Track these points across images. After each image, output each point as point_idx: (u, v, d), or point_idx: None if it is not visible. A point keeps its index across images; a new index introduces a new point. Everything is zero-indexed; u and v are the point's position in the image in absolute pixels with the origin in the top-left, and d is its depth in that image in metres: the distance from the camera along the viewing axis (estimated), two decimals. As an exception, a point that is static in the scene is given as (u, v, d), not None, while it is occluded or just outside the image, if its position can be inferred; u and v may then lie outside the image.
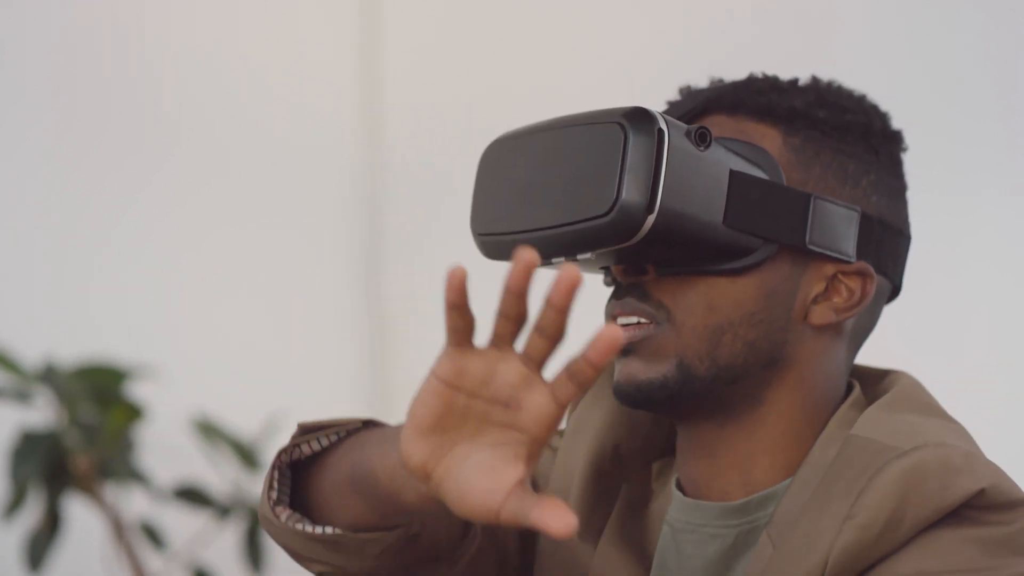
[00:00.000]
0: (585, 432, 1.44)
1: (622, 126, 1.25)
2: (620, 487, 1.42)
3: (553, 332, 1.07)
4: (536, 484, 1.45)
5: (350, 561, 1.29)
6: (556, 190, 1.28)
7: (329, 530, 1.28)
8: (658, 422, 1.44)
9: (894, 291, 1.39)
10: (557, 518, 1.05)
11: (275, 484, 1.30)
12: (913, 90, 2.38)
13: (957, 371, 2.36)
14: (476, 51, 3.12)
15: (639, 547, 1.38)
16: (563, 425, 1.49)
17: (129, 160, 2.90)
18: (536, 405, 1.09)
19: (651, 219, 1.24)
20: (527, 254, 1.06)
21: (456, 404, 1.11)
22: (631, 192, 1.24)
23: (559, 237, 1.28)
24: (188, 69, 3.01)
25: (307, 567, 1.33)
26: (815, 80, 1.38)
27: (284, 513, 1.29)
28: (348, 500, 1.26)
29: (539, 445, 1.10)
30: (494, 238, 1.34)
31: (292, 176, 3.17)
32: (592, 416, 1.44)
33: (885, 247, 1.35)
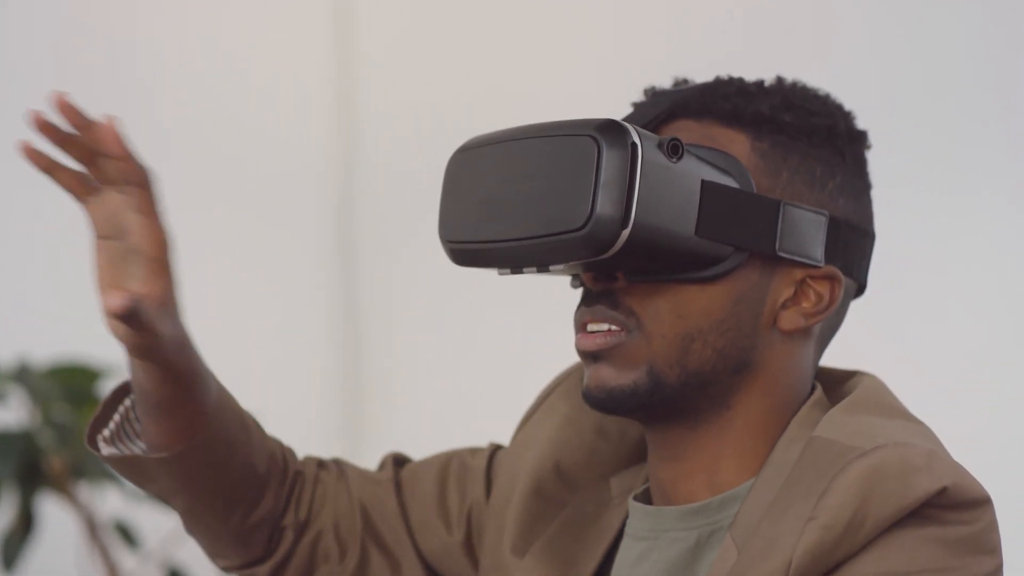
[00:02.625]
0: (529, 450, 1.46)
1: (595, 139, 1.25)
2: (565, 503, 1.43)
3: (107, 149, 1.25)
4: (453, 498, 1.50)
5: (155, 485, 1.40)
6: (528, 201, 1.28)
7: (113, 450, 1.39)
8: (604, 435, 1.45)
9: (859, 289, 1.39)
10: (109, 297, 1.21)
11: (112, 423, 1.39)
12: (908, 91, 2.39)
13: (943, 368, 2.37)
14: (452, 51, 3.11)
15: (568, 559, 1.39)
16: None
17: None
18: (132, 223, 1.25)
19: (625, 233, 1.24)
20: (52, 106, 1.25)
21: (112, 252, 1.26)
22: (605, 207, 1.24)
23: (531, 248, 1.28)
24: (161, 68, 3.01)
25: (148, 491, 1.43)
26: (780, 81, 1.38)
27: (103, 444, 1.40)
28: (143, 422, 1.36)
29: (154, 260, 1.26)
30: (463, 246, 1.33)
31: (267, 178, 3.16)
32: (537, 435, 1.46)
33: (852, 249, 1.35)
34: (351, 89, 3.24)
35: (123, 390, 1.40)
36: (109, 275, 1.26)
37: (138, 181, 1.25)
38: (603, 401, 1.32)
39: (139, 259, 1.25)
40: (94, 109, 1.23)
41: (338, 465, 1.51)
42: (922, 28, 2.42)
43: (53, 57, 2.85)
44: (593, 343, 1.32)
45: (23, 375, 2.47)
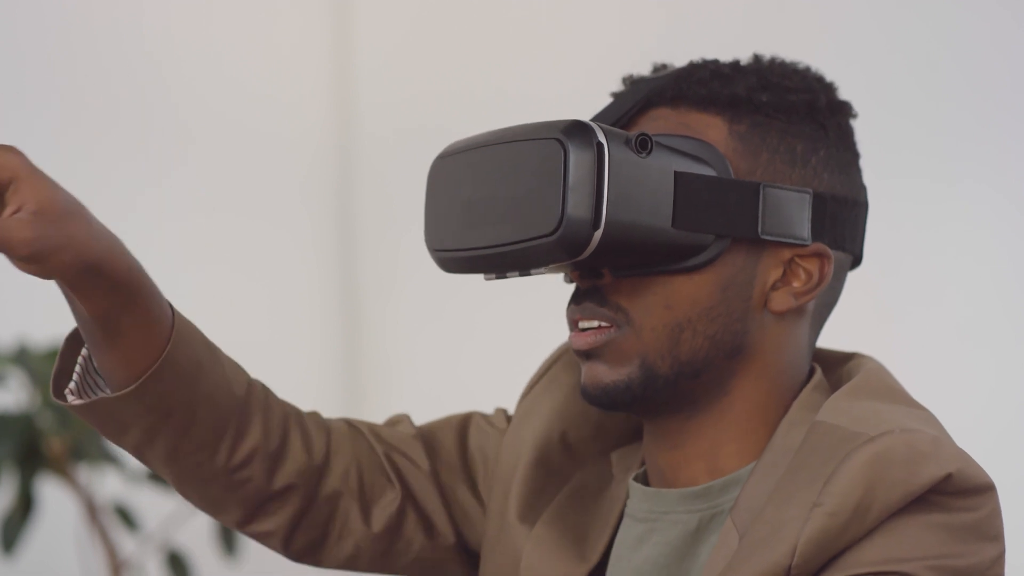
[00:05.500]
0: (534, 419, 1.45)
1: (561, 142, 1.24)
2: (570, 475, 1.43)
3: None
4: (477, 462, 1.48)
5: (134, 431, 1.31)
6: (502, 207, 1.28)
7: (79, 399, 1.31)
8: (610, 412, 1.45)
9: (856, 260, 1.38)
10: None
11: (75, 375, 1.32)
12: (895, 82, 2.40)
13: (926, 351, 2.38)
14: (450, 42, 3.12)
15: (579, 533, 1.39)
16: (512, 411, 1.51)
17: (102, 147, 2.90)
18: None
19: (598, 234, 1.24)
20: None
21: None
22: (576, 209, 1.24)
23: (509, 255, 1.28)
24: (165, 64, 3.01)
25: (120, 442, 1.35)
26: (757, 60, 1.37)
27: (71, 397, 1.32)
28: (101, 360, 1.29)
29: (9, 182, 1.17)
30: (448, 254, 1.34)
31: (267, 165, 3.17)
32: (542, 403, 1.45)
33: (840, 222, 1.34)
34: (351, 79, 3.25)
35: (74, 340, 1.32)
36: None
37: None
38: (599, 398, 1.32)
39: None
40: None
41: (347, 421, 1.46)
42: (919, 24, 2.43)
43: (53, 55, 2.85)
44: (585, 341, 1.32)
45: (22, 357, 2.47)
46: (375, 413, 3.22)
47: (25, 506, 2.48)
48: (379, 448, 1.44)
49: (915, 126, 2.38)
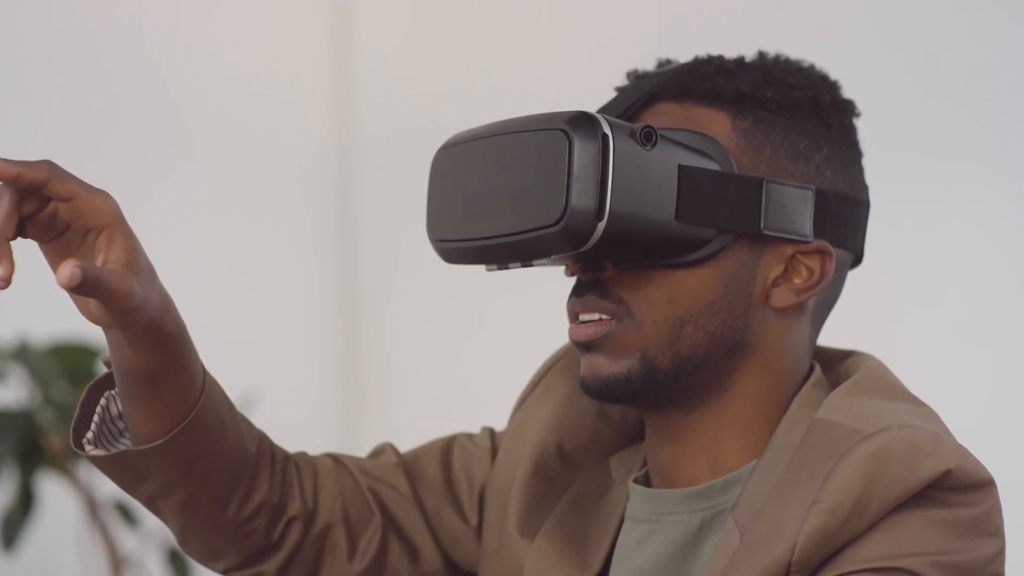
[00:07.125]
0: (529, 430, 1.44)
1: (566, 133, 1.24)
2: (569, 484, 1.43)
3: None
4: (462, 482, 1.47)
5: (149, 484, 1.31)
6: (506, 198, 1.28)
7: (100, 451, 1.30)
8: (606, 417, 1.45)
9: (857, 259, 1.38)
10: (60, 271, 1.12)
11: (93, 425, 1.32)
12: (895, 82, 2.41)
13: (926, 351, 2.38)
14: (450, 42, 3.12)
15: (580, 541, 1.39)
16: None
17: (103, 147, 2.90)
18: (63, 212, 1.18)
19: (601, 225, 1.24)
20: None
21: (61, 251, 1.20)
22: (579, 200, 1.24)
23: (512, 245, 1.28)
24: (165, 64, 3.01)
25: (136, 496, 1.35)
26: (762, 56, 1.37)
27: (88, 447, 1.31)
28: (131, 412, 1.29)
29: (101, 228, 1.18)
30: (450, 245, 1.34)
31: (267, 165, 3.17)
32: (536, 414, 1.45)
33: (842, 220, 1.34)
34: (351, 78, 3.25)
35: (96, 389, 1.33)
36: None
37: (43, 179, 1.16)
38: (599, 390, 1.32)
39: (91, 239, 1.19)
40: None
41: (332, 456, 1.47)
42: (919, 24, 2.43)
43: (53, 55, 2.85)
44: (585, 333, 1.32)
45: (23, 354, 2.47)
46: (375, 413, 3.23)
47: (25, 503, 2.48)
48: (363, 481, 1.45)
49: (915, 126, 2.39)
